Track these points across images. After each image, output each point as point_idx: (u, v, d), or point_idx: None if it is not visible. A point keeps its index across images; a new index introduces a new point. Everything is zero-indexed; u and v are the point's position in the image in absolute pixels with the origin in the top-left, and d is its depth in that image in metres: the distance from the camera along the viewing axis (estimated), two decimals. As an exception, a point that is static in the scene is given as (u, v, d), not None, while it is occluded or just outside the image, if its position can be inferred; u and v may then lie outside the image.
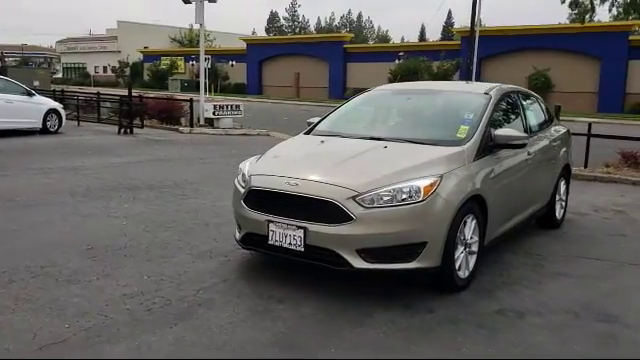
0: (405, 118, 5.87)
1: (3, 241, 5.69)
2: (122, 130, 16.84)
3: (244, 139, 16.83)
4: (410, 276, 4.51)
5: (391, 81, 42.66)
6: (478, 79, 40.25)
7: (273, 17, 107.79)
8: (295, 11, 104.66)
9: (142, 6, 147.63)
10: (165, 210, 7.18)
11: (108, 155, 12.08)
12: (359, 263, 4.20)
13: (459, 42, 43.27)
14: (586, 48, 36.76)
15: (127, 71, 62.58)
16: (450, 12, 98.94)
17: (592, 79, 37.00)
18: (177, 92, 45.06)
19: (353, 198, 4.20)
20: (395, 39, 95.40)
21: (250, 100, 39.57)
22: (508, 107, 5.90)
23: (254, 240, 4.71)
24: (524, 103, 6.29)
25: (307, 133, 5.85)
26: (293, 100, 45.24)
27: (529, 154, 5.74)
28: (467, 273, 4.70)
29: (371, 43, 77.98)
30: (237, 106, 20.15)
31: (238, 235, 4.95)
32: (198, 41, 72.79)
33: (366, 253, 4.20)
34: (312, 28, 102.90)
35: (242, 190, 4.84)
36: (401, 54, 44.38)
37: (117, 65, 63.36)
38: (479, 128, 5.07)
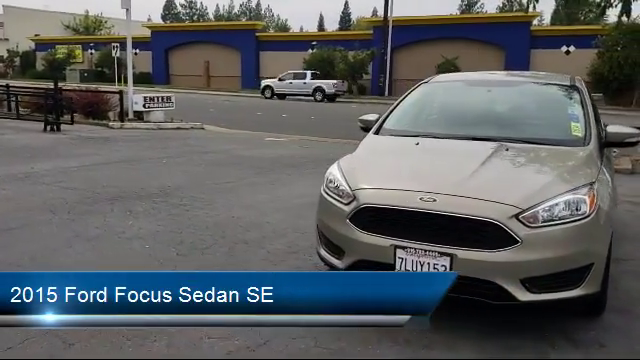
0: (498, 114, 5.09)
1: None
2: (49, 127, 14.94)
3: (181, 134, 15.50)
4: (567, 305, 3.83)
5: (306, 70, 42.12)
6: (391, 68, 40.78)
7: (169, 4, 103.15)
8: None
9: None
10: (180, 226, 6.06)
11: (53, 158, 10.47)
12: (524, 295, 3.47)
13: (371, 32, 43.40)
14: (492, 38, 38.22)
15: (17, 61, 57.40)
16: (347, 2, 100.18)
17: (498, 68, 38.31)
18: (76, 83, 41.69)
19: (516, 217, 3.46)
20: (294, 28, 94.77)
21: (159, 90, 37.23)
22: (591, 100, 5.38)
23: (370, 269, 3.84)
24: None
25: (376, 133, 5.02)
26: (205, 90, 43.41)
27: (614, 151, 5.27)
28: (604, 292, 4.13)
29: (272, 32, 76.49)
30: (168, 98, 18.72)
31: (340, 263, 4.00)
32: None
33: (530, 282, 3.48)
34: (211, 16, 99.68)
35: (345, 207, 3.93)
36: (314, 43, 43.89)
37: (6, 54, 57.76)
38: (592, 125, 4.51)
